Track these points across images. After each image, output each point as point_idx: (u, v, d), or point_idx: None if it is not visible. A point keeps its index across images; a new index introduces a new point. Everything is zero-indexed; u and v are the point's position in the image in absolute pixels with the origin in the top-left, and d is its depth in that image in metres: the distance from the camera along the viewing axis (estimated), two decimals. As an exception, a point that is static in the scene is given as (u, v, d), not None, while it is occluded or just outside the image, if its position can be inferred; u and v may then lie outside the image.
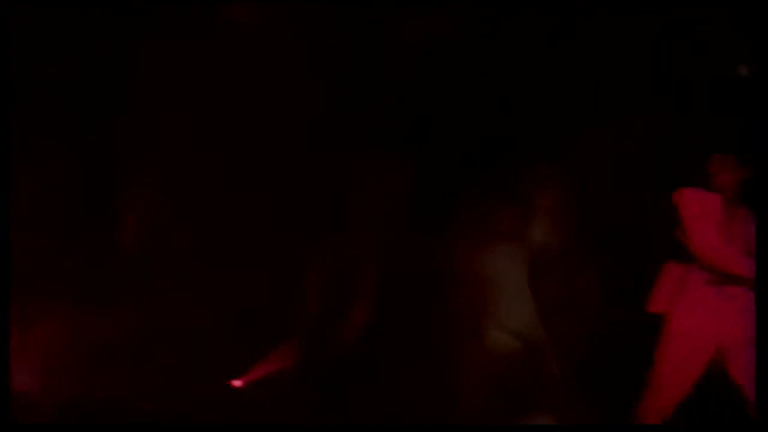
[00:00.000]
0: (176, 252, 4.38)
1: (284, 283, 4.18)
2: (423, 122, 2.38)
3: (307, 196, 3.61)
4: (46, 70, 3.67)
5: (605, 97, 4.19)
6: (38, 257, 3.97)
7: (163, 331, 4.38)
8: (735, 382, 4.26)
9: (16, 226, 3.54)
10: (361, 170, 2.55)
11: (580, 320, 4.10)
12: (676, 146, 4.34)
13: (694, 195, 4.15)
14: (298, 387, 2.41)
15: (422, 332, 2.31)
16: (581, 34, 3.67)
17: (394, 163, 2.44)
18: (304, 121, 3.82)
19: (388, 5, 3.54)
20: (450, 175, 2.35)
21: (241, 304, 4.29)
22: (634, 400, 4.31)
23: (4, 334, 3.33)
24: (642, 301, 4.32)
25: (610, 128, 4.16)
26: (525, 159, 2.45)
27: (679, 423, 3.93)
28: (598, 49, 3.81)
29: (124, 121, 4.18)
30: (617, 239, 4.13)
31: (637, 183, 4.04)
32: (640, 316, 4.31)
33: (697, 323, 4.15)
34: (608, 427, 3.92)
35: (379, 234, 2.41)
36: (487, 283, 2.30)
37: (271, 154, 4.03)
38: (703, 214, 4.09)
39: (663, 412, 4.13)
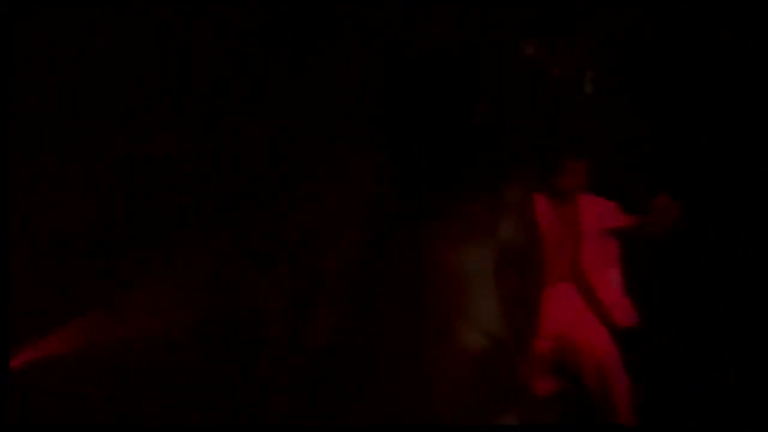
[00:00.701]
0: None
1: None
2: (393, 115, 2.37)
3: (273, 190, 3.61)
4: None
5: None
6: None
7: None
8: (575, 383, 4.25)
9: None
10: (330, 163, 2.54)
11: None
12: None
13: None
14: (269, 387, 2.40)
15: (394, 329, 2.30)
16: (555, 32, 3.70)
17: (363, 156, 2.43)
18: (277, 114, 3.82)
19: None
20: (423, 168, 2.35)
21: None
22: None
23: (4, 333, 3.32)
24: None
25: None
26: (498, 150, 2.45)
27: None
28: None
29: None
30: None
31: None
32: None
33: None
34: (585, 427, 3.93)
35: (350, 229, 2.40)
36: (459, 277, 2.29)
37: (239, 149, 4.01)
38: None
39: None
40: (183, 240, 3.67)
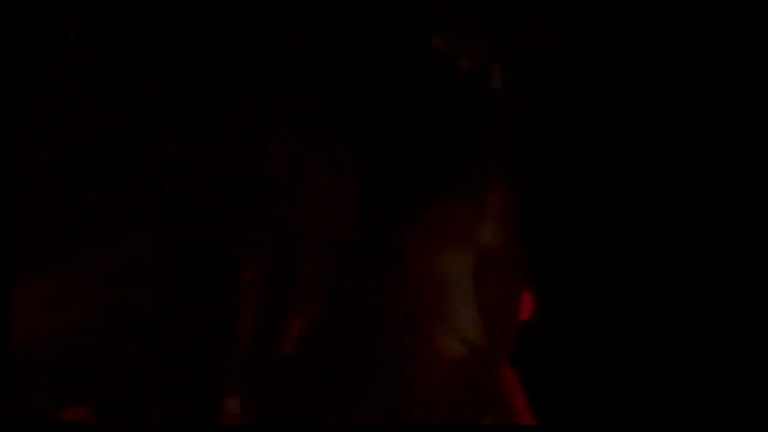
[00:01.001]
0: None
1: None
2: (372, 114, 2.37)
3: (242, 189, 3.59)
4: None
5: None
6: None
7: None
8: None
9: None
10: (306, 163, 2.53)
11: (520, 325, 4.04)
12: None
13: None
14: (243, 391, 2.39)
15: (371, 335, 2.30)
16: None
17: (341, 156, 2.43)
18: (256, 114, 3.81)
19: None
20: (401, 169, 2.34)
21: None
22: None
23: (4, 333, 3.35)
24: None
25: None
26: (476, 154, 2.44)
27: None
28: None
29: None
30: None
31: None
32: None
33: None
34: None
35: (325, 232, 2.39)
36: (437, 282, 2.28)
37: (208, 146, 4.00)
38: None
39: None
40: (159, 239, 3.68)
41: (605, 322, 4.03)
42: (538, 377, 3.29)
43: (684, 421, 4.13)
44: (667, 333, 4.23)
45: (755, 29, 3.91)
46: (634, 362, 4.10)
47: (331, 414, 2.34)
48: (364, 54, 2.49)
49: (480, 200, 2.41)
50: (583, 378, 4.06)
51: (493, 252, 2.40)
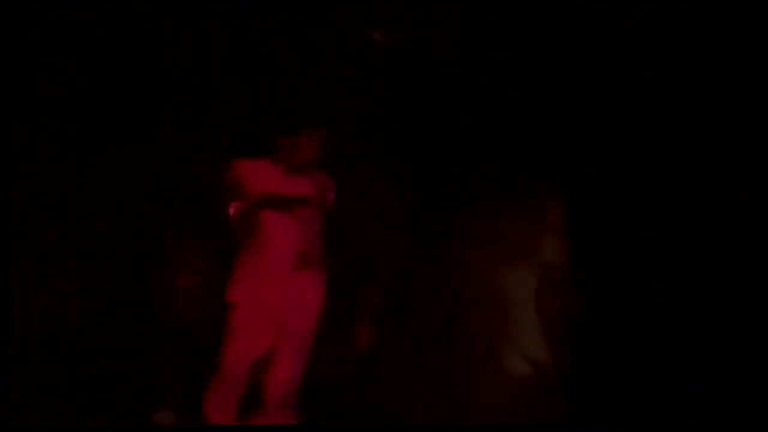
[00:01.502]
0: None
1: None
2: (428, 129, 2.33)
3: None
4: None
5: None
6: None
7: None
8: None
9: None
10: (362, 182, 2.50)
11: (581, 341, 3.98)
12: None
13: (246, 165, 3.85)
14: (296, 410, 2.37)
15: (433, 353, 2.27)
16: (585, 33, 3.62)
17: (396, 173, 2.40)
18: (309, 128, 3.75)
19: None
20: (459, 185, 2.31)
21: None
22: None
23: (4, 331, 3.34)
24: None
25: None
26: (536, 170, 2.40)
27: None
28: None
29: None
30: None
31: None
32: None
33: (258, 310, 3.84)
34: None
35: (384, 248, 2.36)
36: (501, 300, 2.24)
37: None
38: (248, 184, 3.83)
39: (225, 403, 3.81)
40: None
41: (605, 322, 4.02)
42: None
43: (684, 421, 4.12)
44: (668, 333, 4.22)
45: (755, 29, 3.90)
46: (635, 362, 4.09)
47: (389, 422, 2.29)
48: (415, 68, 2.46)
49: (539, 217, 2.33)
50: (583, 378, 4.06)
51: (554, 269, 2.34)
